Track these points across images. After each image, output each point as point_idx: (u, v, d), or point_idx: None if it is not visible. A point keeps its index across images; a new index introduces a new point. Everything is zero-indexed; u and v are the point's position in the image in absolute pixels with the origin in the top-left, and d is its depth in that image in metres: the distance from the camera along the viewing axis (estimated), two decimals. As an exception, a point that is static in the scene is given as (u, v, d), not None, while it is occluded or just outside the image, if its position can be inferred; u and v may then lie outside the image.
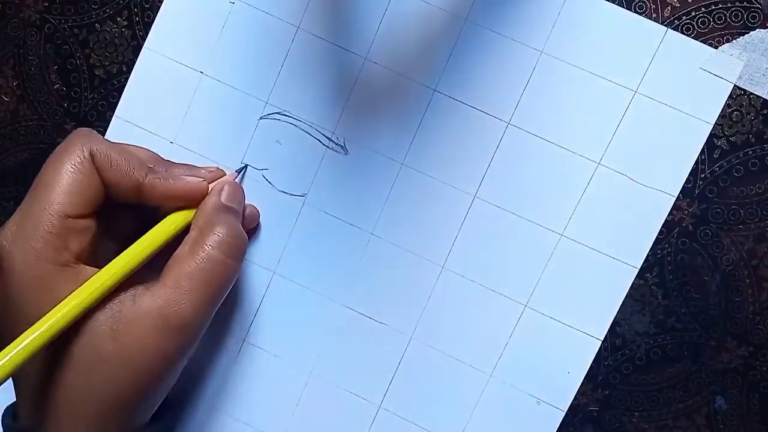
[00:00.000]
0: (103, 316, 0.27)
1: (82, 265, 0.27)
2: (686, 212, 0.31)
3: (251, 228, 0.33)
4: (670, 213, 0.31)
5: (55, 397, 0.27)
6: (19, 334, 0.25)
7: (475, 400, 0.32)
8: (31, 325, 0.25)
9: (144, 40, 0.34)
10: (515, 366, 0.32)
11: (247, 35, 0.33)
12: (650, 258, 0.31)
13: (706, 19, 0.31)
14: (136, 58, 0.34)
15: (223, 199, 0.30)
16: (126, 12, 0.34)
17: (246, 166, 0.33)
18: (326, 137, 0.33)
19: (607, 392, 0.32)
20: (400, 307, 0.33)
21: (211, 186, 0.30)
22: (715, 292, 0.31)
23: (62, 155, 0.28)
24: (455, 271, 0.32)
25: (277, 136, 0.33)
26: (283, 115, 0.33)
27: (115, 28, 0.34)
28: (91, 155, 0.28)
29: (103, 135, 0.34)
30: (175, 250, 0.29)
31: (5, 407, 0.29)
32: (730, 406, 0.31)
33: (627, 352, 0.32)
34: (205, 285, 0.27)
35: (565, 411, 0.32)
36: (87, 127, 0.34)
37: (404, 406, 0.33)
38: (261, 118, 0.33)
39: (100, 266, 0.27)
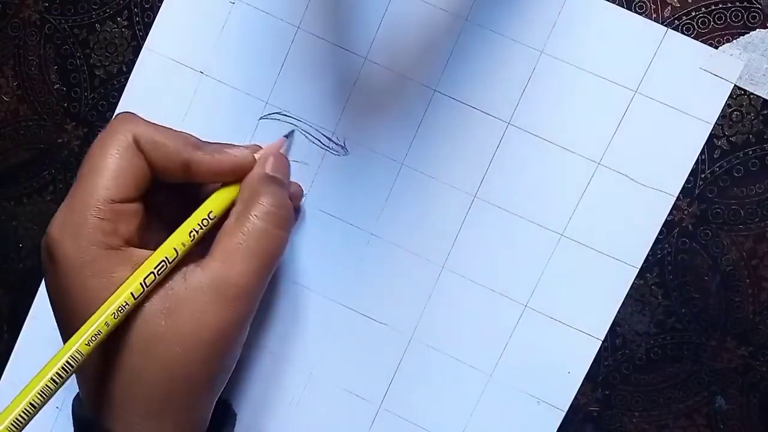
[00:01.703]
0: (155, 296, 0.26)
1: (132, 248, 0.27)
2: (686, 212, 0.31)
3: (295, 206, 0.32)
4: (670, 213, 0.31)
5: (111, 385, 0.26)
6: (75, 322, 0.25)
7: (475, 400, 0.32)
8: (86, 312, 0.25)
9: (144, 40, 0.34)
10: (515, 366, 0.32)
11: (247, 35, 0.33)
12: (650, 258, 0.31)
13: (706, 19, 0.31)
14: (136, 58, 0.34)
15: (267, 169, 0.29)
16: (126, 12, 0.34)
17: (293, 131, 0.33)
18: (326, 137, 0.33)
19: (607, 392, 0.32)
20: (400, 307, 0.33)
21: (256, 156, 0.30)
22: (715, 292, 0.31)
23: (105, 142, 0.27)
24: (455, 271, 0.32)
25: (277, 136, 0.33)
26: (283, 115, 0.33)
27: (115, 28, 0.34)
28: (135, 139, 0.27)
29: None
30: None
31: (75, 396, 0.29)
32: (730, 406, 0.31)
33: (627, 352, 0.32)
34: (254, 255, 0.27)
35: (565, 411, 0.32)
36: (87, 126, 0.34)
37: (404, 406, 0.33)
38: (261, 118, 0.33)
39: (150, 249, 0.27)
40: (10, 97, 0.35)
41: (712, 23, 0.31)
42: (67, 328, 0.26)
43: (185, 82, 0.34)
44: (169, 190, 0.29)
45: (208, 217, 0.28)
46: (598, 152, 0.31)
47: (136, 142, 0.27)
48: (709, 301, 0.31)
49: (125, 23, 0.34)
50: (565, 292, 0.32)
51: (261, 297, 0.28)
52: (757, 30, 0.30)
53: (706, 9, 0.31)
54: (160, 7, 0.34)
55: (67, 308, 0.26)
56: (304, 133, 0.33)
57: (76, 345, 0.24)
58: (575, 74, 0.31)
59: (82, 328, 0.25)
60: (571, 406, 0.32)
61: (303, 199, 0.33)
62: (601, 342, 0.32)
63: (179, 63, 0.34)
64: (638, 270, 0.31)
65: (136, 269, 0.26)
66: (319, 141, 0.33)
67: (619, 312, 0.31)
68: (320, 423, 0.33)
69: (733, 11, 0.30)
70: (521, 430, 0.32)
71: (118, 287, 0.25)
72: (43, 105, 0.35)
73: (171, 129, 0.29)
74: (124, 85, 0.34)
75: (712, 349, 0.31)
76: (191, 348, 0.26)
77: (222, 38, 0.33)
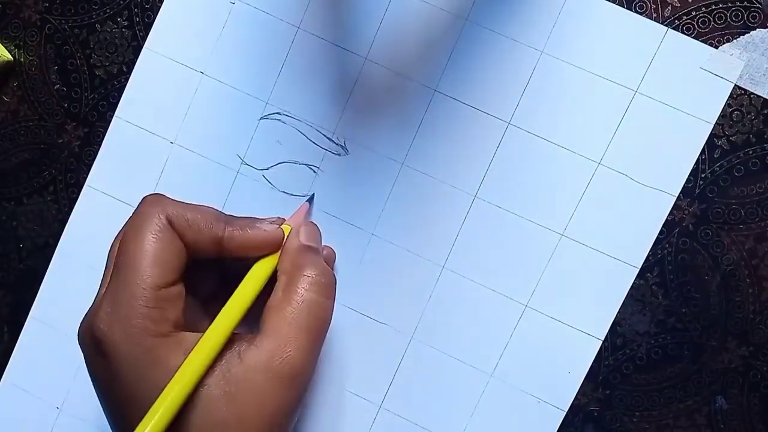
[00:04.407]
0: (212, 380, 0.26)
1: (182, 332, 0.26)
2: (687, 212, 0.31)
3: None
4: (671, 213, 0.31)
5: None
6: (133, 412, 0.25)
7: (475, 400, 0.32)
8: (145, 402, 0.25)
9: (144, 40, 0.34)
10: (515, 366, 0.32)
11: (247, 35, 0.33)
12: (651, 258, 0.31)
13: (706, 19, 0.31)
14: (137, 58, 0.34)
15: (302, 240, 0.29)
16: (126, 12, 0.34)
17: (313, 195, 0.33)
18: (326, 137, 0.33)
19: (607, 392, 0.32)
20: (400, 307, 0.33)
21: (287, 228, 0.30)
22: (715, 291, 0.31)
23: (140, 227, 0.27)
24: (455, 271, 0.32)
25: (277, 136, 0.33)
26: (283, 115, 0.33)
27: (115, 28, 0.34)
28: (169, 220, 0.27)
29: (104, 135, 0.34)
30: (264, 298, 0.28)
31: None
32: (730, 405, 0.31)
33: (627, 351, 0.32)
34: (306, 328, 0.27)
35: (566, 411, 0.32)
36: (87, 126, 0.34)
37: (404, 406, 0.33)
38: (261, 118, 0.33)
39: (194, 329, 0.27)
40: (10, 97, 0.35)
41: (712, 23, 0.31)
42: (124, 418, 0.26)
43: (185, 82, 0.34)
44: (200, 266, 0.29)
45: (252, 291, 0.28)
46: (598, 152, 0.31)
47: (170, 223, 0.27)
48: (710, 300, 0.31)
49: (125, 23, 0.34)
50: (565, 292, 0.32)
51: (314, 372, 0.28)
52: (757, 30, 0.30)
53: (706, 9, 0.31)
54: (160, 7, 0.34)
55: (123, 400, 0.26)
56: (304, 133, 0.33)
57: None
58: (575, 74, 0.31)
59: (148, 414, 0.24)
60: (571, 406, 0.32)
61: (335, 262, 0.33)
62: (601, 342, 0.32)
63: (179, 63, 0.34)
64: (638, 270, 0.31)
65: (190, 353, 0.26)
66: (319, 141, 0.33)
67: (619, 312, 0.31)
68: (320, 423, 0.33)
69: (733, 11, 0.30)
70: (521, 430, 0.32)
71: (176, 373, 0.25)
72: (43, 105, 0.35)
73: (199, 205, 0.29)
74: (124, 85, 0.34)
75: (713, 349, 0.31)
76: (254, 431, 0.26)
77: (222, 38, 0.33)
